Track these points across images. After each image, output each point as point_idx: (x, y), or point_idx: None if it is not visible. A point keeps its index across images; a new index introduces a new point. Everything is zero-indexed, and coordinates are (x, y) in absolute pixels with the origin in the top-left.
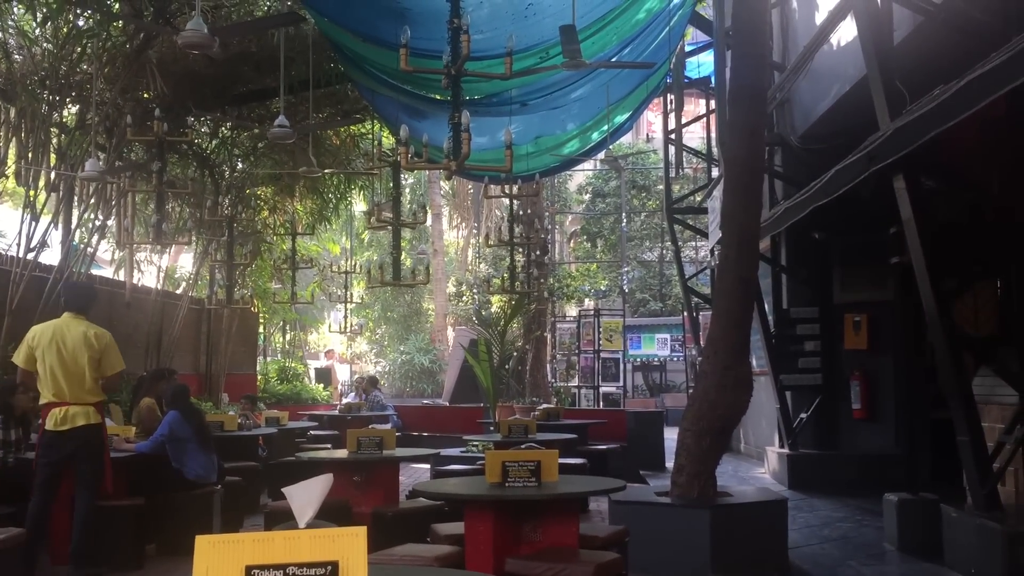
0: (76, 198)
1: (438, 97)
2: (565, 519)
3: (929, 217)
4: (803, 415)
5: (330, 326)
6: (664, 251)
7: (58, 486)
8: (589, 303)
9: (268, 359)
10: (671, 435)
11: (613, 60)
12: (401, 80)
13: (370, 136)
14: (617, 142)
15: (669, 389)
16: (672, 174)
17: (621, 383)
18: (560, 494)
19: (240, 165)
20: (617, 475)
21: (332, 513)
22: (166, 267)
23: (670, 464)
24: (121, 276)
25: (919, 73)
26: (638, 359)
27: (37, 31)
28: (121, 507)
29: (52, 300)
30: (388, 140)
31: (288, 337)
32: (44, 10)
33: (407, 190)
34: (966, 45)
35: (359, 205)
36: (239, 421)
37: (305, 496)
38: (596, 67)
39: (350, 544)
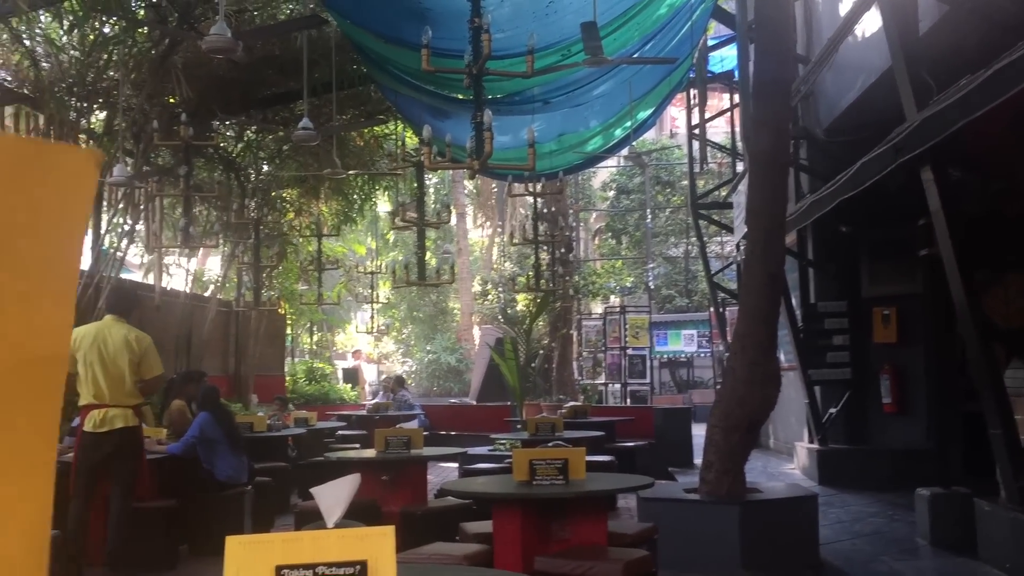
0: (105, 203)
1: (460, 96)
2: (593, 517)
3: (957, 209)
4: (832, 410)
5: (357, 326)
6: (689, 247)
7: (96, 488)
8: (615, 300)
9: (296, 360)
10: (699, 431)
11: (635, 56)
12: (423, 80)
13: (394, 137)
14: (641, 138)
15: (696, 385)
16: (696, 169)
17: (648, 380)
18: (588, 492)
19: (265, 168)
20: (645, 472)
21: (361, 512)
22: (194, 270)
23: (698, 461)
24: (150, 280)
25: (945, 64)
26: (665, 355)
27: (64, 39)
28: (153, 508)
29: (82, 305)
30: (412, 140)
31: (315, 338)
32: (71, 18)
33: (431, 190)
34: (992, 35)
35: (384, 205)
36: (268, 422)
37: (333, 496)
38: (618, 63)
39: (379, 543)
